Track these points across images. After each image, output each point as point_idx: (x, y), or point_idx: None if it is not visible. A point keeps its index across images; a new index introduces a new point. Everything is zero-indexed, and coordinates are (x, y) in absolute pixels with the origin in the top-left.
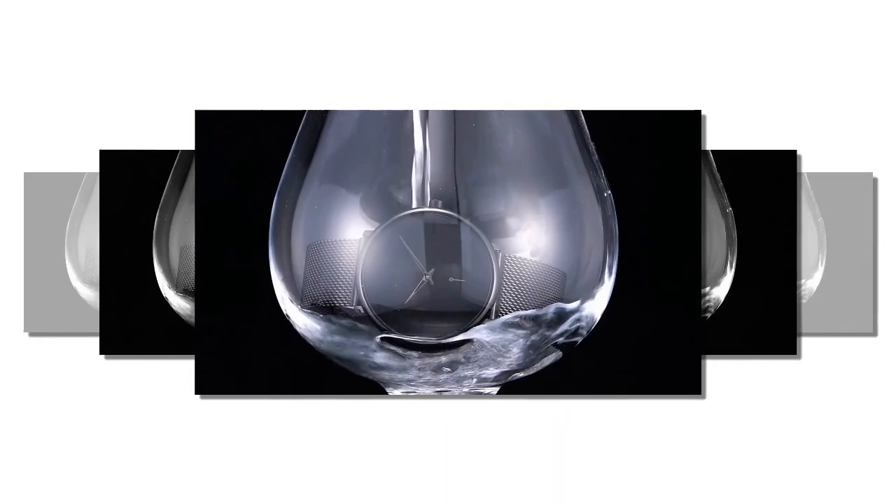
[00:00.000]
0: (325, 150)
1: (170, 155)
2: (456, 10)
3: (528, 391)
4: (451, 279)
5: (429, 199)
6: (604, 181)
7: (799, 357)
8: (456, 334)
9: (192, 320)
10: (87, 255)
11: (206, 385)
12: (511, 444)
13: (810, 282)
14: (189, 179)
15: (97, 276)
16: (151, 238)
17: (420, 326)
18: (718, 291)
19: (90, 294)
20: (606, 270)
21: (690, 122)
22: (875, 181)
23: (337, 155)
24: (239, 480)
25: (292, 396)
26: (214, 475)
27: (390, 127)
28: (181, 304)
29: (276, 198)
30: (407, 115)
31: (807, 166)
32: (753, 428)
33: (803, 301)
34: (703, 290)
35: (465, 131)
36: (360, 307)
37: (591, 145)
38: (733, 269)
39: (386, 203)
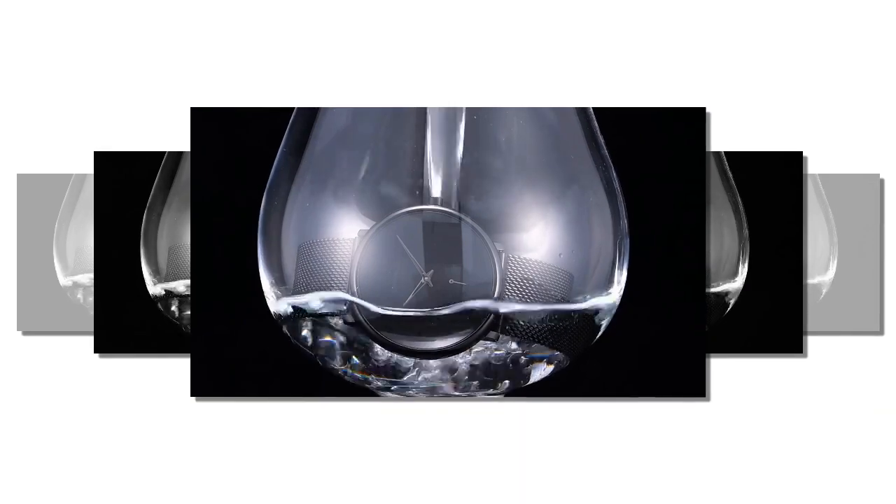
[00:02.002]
0: (317, 144)
1: (163, 156)
2: (460, 6)
3: (531, 394)
4: (451, 281)
5: (431, 196)
6: (614, 177)
7: (805, 356)
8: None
9: (181, 322)
10: (77, 254)
11: (202, 387)
12: (513, 446)
13: (824, 276)
14: (177, 179)
15: (86, 275)
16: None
17: (418, 332)
18: (734, 285)
19: (79, 293)
20: (616, 271)
21: (695, 119)
22: (882, 182)
23: (330, 149)
24: (235, 483)
25: (289, 399)
26: (210, 477)
27: (386, 119)
28: (170, 307)
29: (265, 194)
30: (404, 107)
31: (813, 167)
32: (758, 430)
33: (820, 297)
34: (718, 286)
35: (465, 123)
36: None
37: (601, 139)
38: (746, 266)
39: (382, 200)
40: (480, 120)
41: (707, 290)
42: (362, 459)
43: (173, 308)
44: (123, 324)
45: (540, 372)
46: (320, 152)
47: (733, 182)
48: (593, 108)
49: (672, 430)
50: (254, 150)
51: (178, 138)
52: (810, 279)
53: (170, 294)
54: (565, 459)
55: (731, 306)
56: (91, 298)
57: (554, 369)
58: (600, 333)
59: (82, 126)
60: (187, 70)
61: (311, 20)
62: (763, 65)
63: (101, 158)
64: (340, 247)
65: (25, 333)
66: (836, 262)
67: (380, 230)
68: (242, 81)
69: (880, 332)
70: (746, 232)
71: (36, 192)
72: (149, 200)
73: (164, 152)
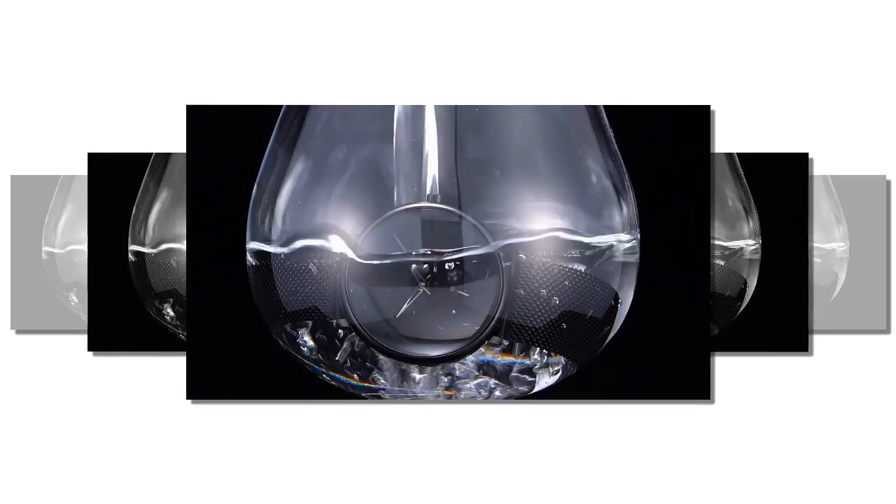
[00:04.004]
0: (309, 138)
1: (157, 156)
2: (462, 4)
3: (533, 396)
4: (451, 288)
5: (430, 193)
6: (624, 173)
7: (811, 354)
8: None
9: (170, 326)
10: (67, 253)
11: (198, 390)
12: (515, 450)
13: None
14: (166, 177)
15: (75, 274)
16: (135, 239)
17: (416, 342)
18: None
19: (67, 293)
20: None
21: (699, 117)
22: (888, 183)
23: (322, 143)
24: (231, 488)
25: (287, 402)
26: (206, 483)
27: (381, 112)
28: (159, 310)
29: (254, 190)
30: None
31: (819, 169)
32: (764, 434)
33: (834, 292)
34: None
35: (466, 116)
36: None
37: (611, 133)
38: (757, 267)
39: (378, 197)
40: (483, 113)
41: (715, 292)
42: (363, 463)
43: (162, 309)
44: (118, 322)
45: (546, 379)
46: (312, 146)
47: (745, 181)
48: (601, 106)
49: (676, 433)
50: (252, 149)
51: (173, 139)
52: (819, 281)
53: (158, 294)
54: (565, 463)
55: (741, 309)
56: (77, 300)
57: (560, 376)
58: (609, 338)
59: (76, 127)
60: (182, 70)
61: (309, 15)
62: (768, 65)
63: (95, 160)
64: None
65: (19, 332)
66: (847, 260)
67: (375, 229)
68: (240, 79)
69: (887, 330)
70: (759, 230)
71: (30, 193)
72: (137, 198)
73: (161, 154)
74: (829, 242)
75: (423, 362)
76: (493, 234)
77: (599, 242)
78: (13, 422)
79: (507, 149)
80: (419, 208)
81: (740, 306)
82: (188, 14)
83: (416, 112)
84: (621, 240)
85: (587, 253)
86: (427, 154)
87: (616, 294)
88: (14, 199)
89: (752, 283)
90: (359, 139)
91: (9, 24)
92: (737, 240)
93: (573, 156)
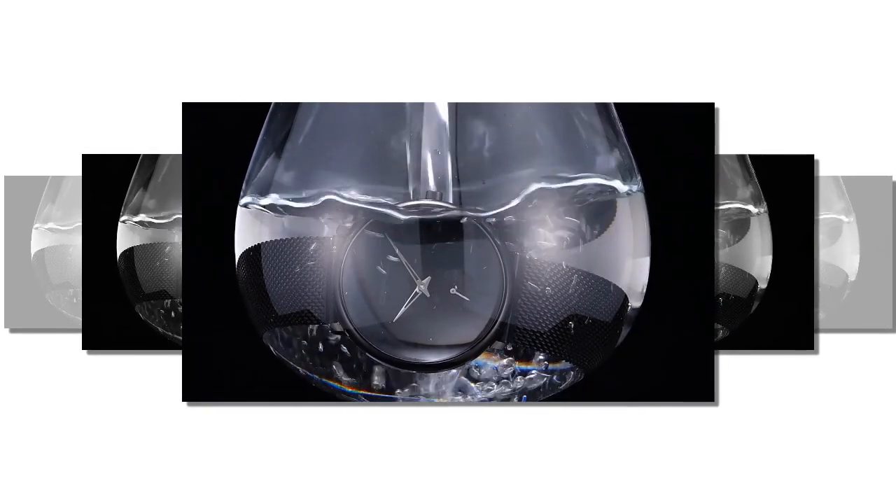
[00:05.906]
0: (300, 131)
1: (151, 157)
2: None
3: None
4: (452, 291)
5: (427, 190)
6: (634, 167)
7: (817, 353)
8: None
9: (161, 328)
10: (59, 251)
11: (195, 392)
12: (516, 452)
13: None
14: (154, 177)
15: (65, 275)
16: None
17: (414, 347)
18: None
19: (58, 292)
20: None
21: (703, 115)
22: (894, 185)
23: (314, 137)
24: (228, 490)
25: (284, 404)
26: (203, 484)
27: (376, 108)
28: (149, 313)
29: (243, 187)
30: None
31: (825, 170)
32: (769, 435)
33: (844, 294)
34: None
35: (466, 107)
36: (338, 324)
37: (619, 126)
38: (770, 264)
39: (371, 195)
40: (484, 106)
41: (725, 293)
42: (362, 466)
43: (153, 310)
44: (113, 321)
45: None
46: (303, 140)
47: (756, 180)
48: (594, 104)
49: (679, 437)
50: (250, 148)
51: (169, 140)
52: (829, 282)
53: (148, 295)
54: (566, 466)
55: (754, 308)
56: (70, 299)
57: (566, 383)
58: (619, 342)
59: (70, 128)
60: (177, 70)
61: (308, 11)
62: (773, 65)
63: (89, 161)
64: (324, 247)
65: (13, 331)
66: (858, 260)
67: (369, 229)
68: (239, 78)
69: (893, 329)
70: (769, 230)
71: (23, 193)
72: (125, 198)
73: (151, 154)
74: (837, 242)
75: (422, 368)
76: (497, 231)
77: (594, 184)
78: (6, 422)
79: (511, 145)
80: (417, 206)
81: (751, 308)
82: (186, 14)
83: (416, 109)
84: (621, 185)
85: (582, 200)
86: (426, 146)
87: (626, 296)
88: (7, 199)
89: (763, 285)
90: (351, 135)
91: (5, 24)
92: (736, 203)
93: (580, 151)
